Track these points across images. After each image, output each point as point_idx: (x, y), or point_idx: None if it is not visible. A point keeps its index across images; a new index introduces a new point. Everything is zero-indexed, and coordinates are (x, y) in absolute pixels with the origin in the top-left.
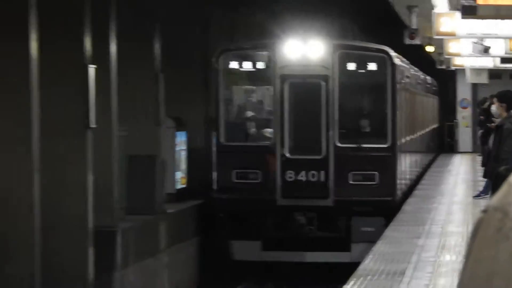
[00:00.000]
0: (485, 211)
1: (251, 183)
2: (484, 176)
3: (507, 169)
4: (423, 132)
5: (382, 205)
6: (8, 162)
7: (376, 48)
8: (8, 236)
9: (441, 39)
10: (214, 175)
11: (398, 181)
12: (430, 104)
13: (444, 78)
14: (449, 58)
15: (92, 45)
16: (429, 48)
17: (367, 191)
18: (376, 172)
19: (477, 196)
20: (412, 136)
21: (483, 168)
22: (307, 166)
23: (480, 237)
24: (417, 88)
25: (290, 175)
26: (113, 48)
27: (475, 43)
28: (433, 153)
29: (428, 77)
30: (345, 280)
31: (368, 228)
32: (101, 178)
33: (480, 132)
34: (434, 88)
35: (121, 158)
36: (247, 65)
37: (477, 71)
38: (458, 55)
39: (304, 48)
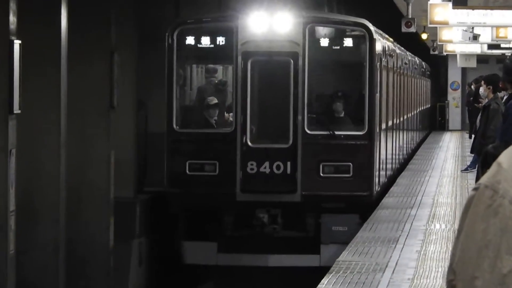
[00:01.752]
0: (476, 189)
1: (206, 176)
2: (472, 152)
3: (495, 147)
4: (413, 113)
5: (357, 200)
6: (38, 137)
7: (353, 22)
8: (37, 204)
9: (435, 27)
10: (165, 166)
11: (376, 173)
12: (423, 86)
13: (437, 63)
14: (441, 45)
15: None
16: (424, 36)
17: (340, 184)
18: (350, 163)
19: (465, 170)
20: (398, 119)
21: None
22: (271, 156)
23: (471, 212)
24: (405, 69)
25: (251, 166)
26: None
27: (465, 31)
28: (425, 131)
29: (420, 61)
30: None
31: (340, 227)
32: (122, 153)
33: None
34: (427, 71)
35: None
36: (205, 41)
37: (467, 56)
38: (450, 41)
39: (270, 21)
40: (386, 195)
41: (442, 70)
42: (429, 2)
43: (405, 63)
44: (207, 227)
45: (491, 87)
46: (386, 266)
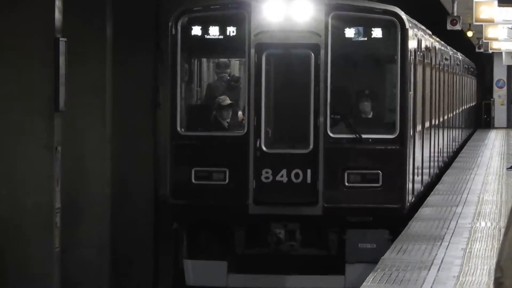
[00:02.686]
0: None
1: (215, 185)
2: None
3: None
4: (457, 111)
5: (387, 214)
6: (83, 134)
7: (382, 9)
8: (82, 202)
9: (480, 25)
10: (168, 174)
11: (409, 183)
12: (468, 83)
13: (482, 61)
14: (487, 43)
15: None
16: (469, 34)
17: (368, 196)
18: (379, 171)
19: (511, 167)
20: (437, 119)
21: None
22: (289, 163)
23: None
24: (447, 66)
25: (266, 174)
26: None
27: (510, 28)
28: (470, 129)
29: (465, 58)
30: None
31: (367, 244)
32: (164, 152)
33: None
34: (472, 69)
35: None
36: (214, 31)
37: None
38: (495, 39)
39: (287, 9)
40: (432, 193)
41: (487, 68)
42: (474, 0)
43: (446, 59)
44: (216, 244)
45: None
46: (432, 263)
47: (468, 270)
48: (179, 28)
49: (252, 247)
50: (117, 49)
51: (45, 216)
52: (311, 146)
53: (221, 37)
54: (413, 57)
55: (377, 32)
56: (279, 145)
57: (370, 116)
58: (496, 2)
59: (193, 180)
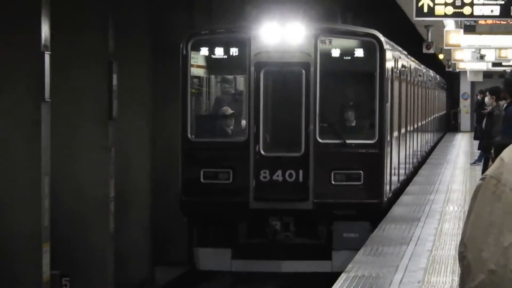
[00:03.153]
0: (483, 179)
1: (220, 184)
2: (479, 148)
3: (502, 144)
4: (431, 118)
5: (368, 208)
6: (130, 138)
7: (363, 32)
8: (130, 192)
9: (449, 49)
10: (180, 174)
11: (387, 181)
12: (440, 96)
13: (451, 77)
14: (454, 63)
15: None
16: (441, 56)
17: (351, 192)
18: (361, 171)
19: (473, 163)
20: (413, 126)
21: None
22: (284, 165)
23: (479, 198)
24: (420, 81)
25: (264, 174)
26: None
27: (473, 52)
28: (441, 132)
29: (437, 76)
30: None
31: (351, 234)
32: None
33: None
34: (442, 84)
35: None
36: (219, 52)
37: (475, 72)
38: (461, 61)
39: (282, 33)
40: (410, 183)
41: (455, 84)
42: (444, 29)
43: (420, 75)
44: (221, 234)
45: (494, 97)
46: (410, 240)
47: (439, 245)
48: (189, 48)
49: (252, 237)
50: (153, 64)
51: (102, 204)
52: (303, 150)
53: (226, 56)
54: (390, 73)
55: (359, 52)
56: (275, 149)
57: (353, 124)
58: (462, 31)
59: (201, 180)
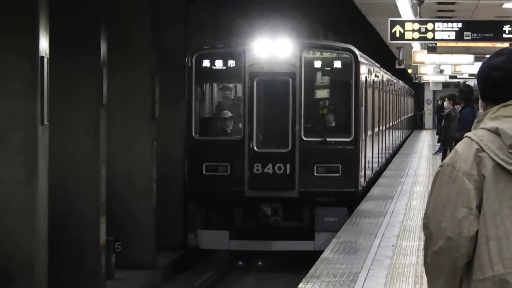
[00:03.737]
0: (441, 166)
1: (220, 176)
2: (438, 142)
3: (458, 138)
4: (401, 118)
5: (345, 196)
6: (170, 133)
7: (342, 47)
8: (168, 175)
9: (416, 65)
10: (186, 167)
11: (361, 173)
12: (409, 102)
13: (417, 87)
14: (420, 76)
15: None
16: (409, 70)
17: (331, 182)
18: (339, 165)
19: (435, 153)
20: (385, 126)
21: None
22: (273, 159)
23: (439, 180)
24: (391, 89)
25: (257, 167)
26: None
27: (435, 67)
28: (410, 130)
29: (406, 85)
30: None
31: (331, 218)
32: None
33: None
34: (410, 92)
35: None
36: (219, 64)
37: (436, 83)
38: (425, 74)
39: (272, 47)
40: (386, 169)
41: (420, 92)
42: (412, 50)
43: (391, 84)
44: (221, 218)
45: (451, 102)
46: (386, 213)
47: (408, 217)
48: (193, 61)
49: (247, 220)
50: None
51: (147, 185)
52: (290, 147)
53: (224, 67)
54: (364, 82)
55: (337, 64)
56: (266, 146)
57: (333, 124)
58: (426, 51)
59: (204, 172)
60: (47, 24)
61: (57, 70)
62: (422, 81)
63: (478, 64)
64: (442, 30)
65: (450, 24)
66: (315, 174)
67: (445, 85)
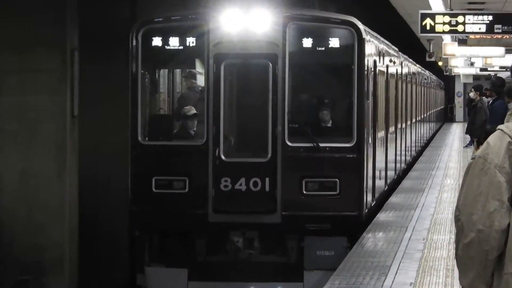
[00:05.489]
0: (473, 158)
1: (175, 194)
2: (466, 133)
3: (489, 131)
4: (432, 111)
5: (345, 221)
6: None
7: (339, 19)
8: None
9: (447, 58)
10: (129, 182)
11: (367, 189)
12: (439, 94)
13: (448, 80)
14: (451, 68)
15: None
16: (440, 63)
17: (325, 203)
18: (337, 179)
19: (465, 146)
20: (405, 123)
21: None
22: (247, 172)
23: (470, 173)
24: (417, 80)
25: (225, 183)
26: None
27: (465, 60)
28: (441, 122)
29: (435, 77)
30: None
31: (325, 251)
32: None
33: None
34: (441, 85)
35: None
36: (174, 42)
37: (466, 76)
38: (456, 66)
39: (245, 20)
40: (417, 161)
41: (451, 84)
42: (443, 42)
43: (415, 74)
44: (176, 251)
45: (478, 92)
46: (417, 206)
47: (439, 210)
48: (139, 39)
49: (212, 254)
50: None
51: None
52: (269, 155)
53: (181, 47)
54: (372, 67)
55: (334, 42)
56: (238, 153)
57: (328, 124)
58: (456, 44)
59: (153, 189)
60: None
61: None
62: (453, 74)
63: (509, 56)
64: (473, 23)
65: (480, 17)
66: (304, 192)
67: (476, 77)
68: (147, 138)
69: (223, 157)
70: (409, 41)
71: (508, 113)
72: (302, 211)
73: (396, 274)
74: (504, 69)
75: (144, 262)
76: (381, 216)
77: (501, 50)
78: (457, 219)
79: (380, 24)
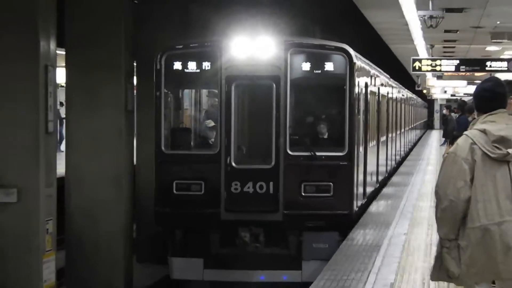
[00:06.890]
0: (448, 153)
1: (192, 195)
2: (443, 137)
3: (456, 136)
4: (419, 122)
5: (337, 219)
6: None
7: (333, 46)
8: None
9: (429, 87)
10: (155, 185)
11: (356, 192)
12: (423, 111)
13: (429, 102)
14: (432, 94)
15: None
16: (424, 91)
17: (321, 204)
18: (331, 183)
19: (441, 145)
20: (394, 133)
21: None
22: (254, 177)
23: (446, 163)
24: (401, 99)
25: (235, 186)
26: None
27: (441, 89)
28: (424, 129)
29: (422, 100)
30: None
31: (320, 244)
32: None
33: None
34: (425, 105)
35: None
36: (192, 66)
37: (442, 99)
38: (435, 93)
39: (252, 46)
40: (408, 156)
41: (431, 105)
42: (426, 77)
43: (404, 96)
44: (194, 244)
45: (448, 110)
46: (409, 183)
47: (424, 186)
48: (162, 63)
49: (224, 247)
50: None
51: None
52: (273, 162)
53: (198, 70)
54: (363, 87)
55: (329, 66)
56: (246, 161)
57: (324, 137)
58: (435, 78)
59: (174, 191)
60: None
61: None
62: (433, 98)
63: (470, 87)
64: (446, 65)
65: (451, 61)
66: (303, 194)
67: (448, 100)
68: (169, 148)
69: (233, 164)
70: (404, 76)
71: (471, 123)
72: (301, 210)
73: (395, 227)
74: (466, 95)
75: (167, 254)
76: (379, 200)
77: (464, 82)
78: (436, 192)
79: (385, 65)
